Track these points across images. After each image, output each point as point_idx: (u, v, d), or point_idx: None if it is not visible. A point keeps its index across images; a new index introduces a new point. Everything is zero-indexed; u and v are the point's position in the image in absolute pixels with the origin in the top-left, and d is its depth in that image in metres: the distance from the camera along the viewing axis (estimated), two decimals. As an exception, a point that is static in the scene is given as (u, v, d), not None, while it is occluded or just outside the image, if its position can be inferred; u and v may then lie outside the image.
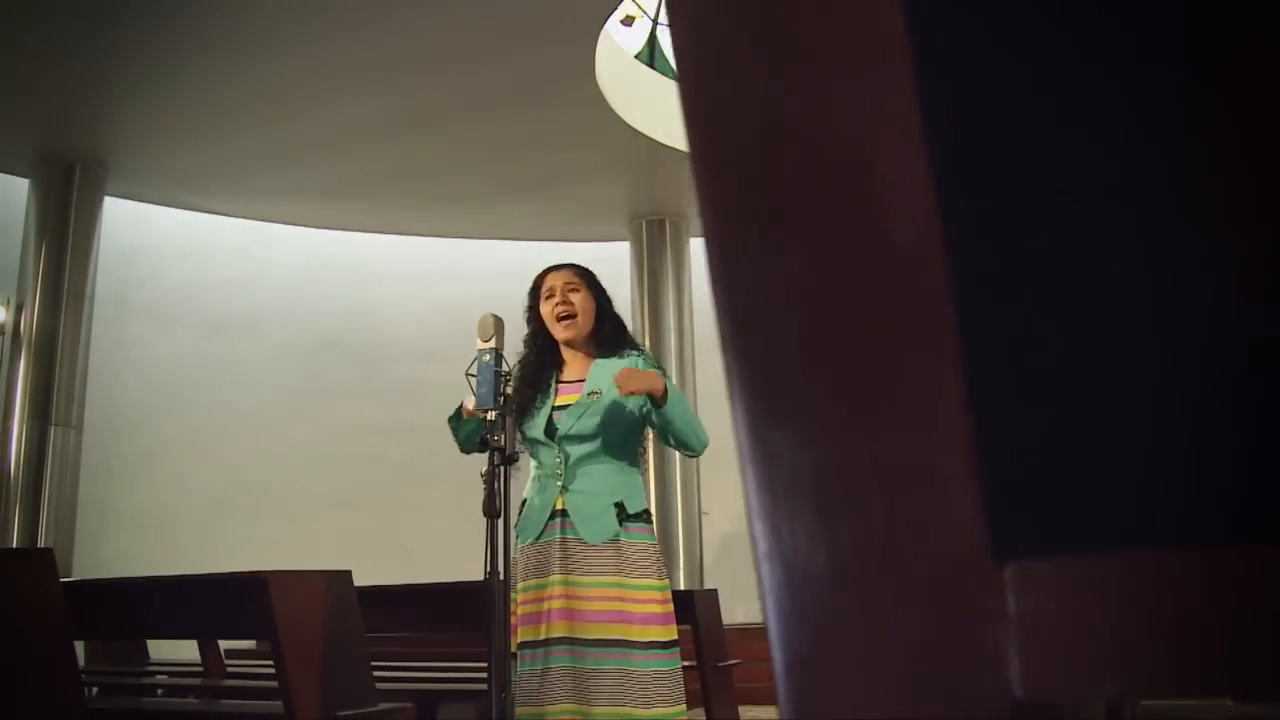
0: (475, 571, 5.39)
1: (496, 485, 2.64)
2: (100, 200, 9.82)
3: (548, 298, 3.20)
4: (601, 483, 3.05)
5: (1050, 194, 0.44)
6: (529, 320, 3.25)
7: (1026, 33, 0.44)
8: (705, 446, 3.11)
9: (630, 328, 3.36)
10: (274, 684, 4.47)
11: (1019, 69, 0.44)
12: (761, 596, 0.45)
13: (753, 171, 0.47)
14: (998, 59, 0.44)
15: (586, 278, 3.25)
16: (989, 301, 0.43)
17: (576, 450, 3.06)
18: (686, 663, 3.29)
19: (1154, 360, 0.43)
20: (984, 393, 0.42)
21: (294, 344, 11.67)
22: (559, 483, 3.05)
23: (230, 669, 5.66)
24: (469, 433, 3.13)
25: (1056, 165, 0.44)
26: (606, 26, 8.39)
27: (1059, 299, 0.44)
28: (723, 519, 11.65)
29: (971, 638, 0.40)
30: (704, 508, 10.68)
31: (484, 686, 4.73)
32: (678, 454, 10.62)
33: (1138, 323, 0.43)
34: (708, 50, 0.49)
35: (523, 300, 3.23)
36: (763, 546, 0.45)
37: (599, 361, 3.15)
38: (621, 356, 3.15)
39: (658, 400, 2.94)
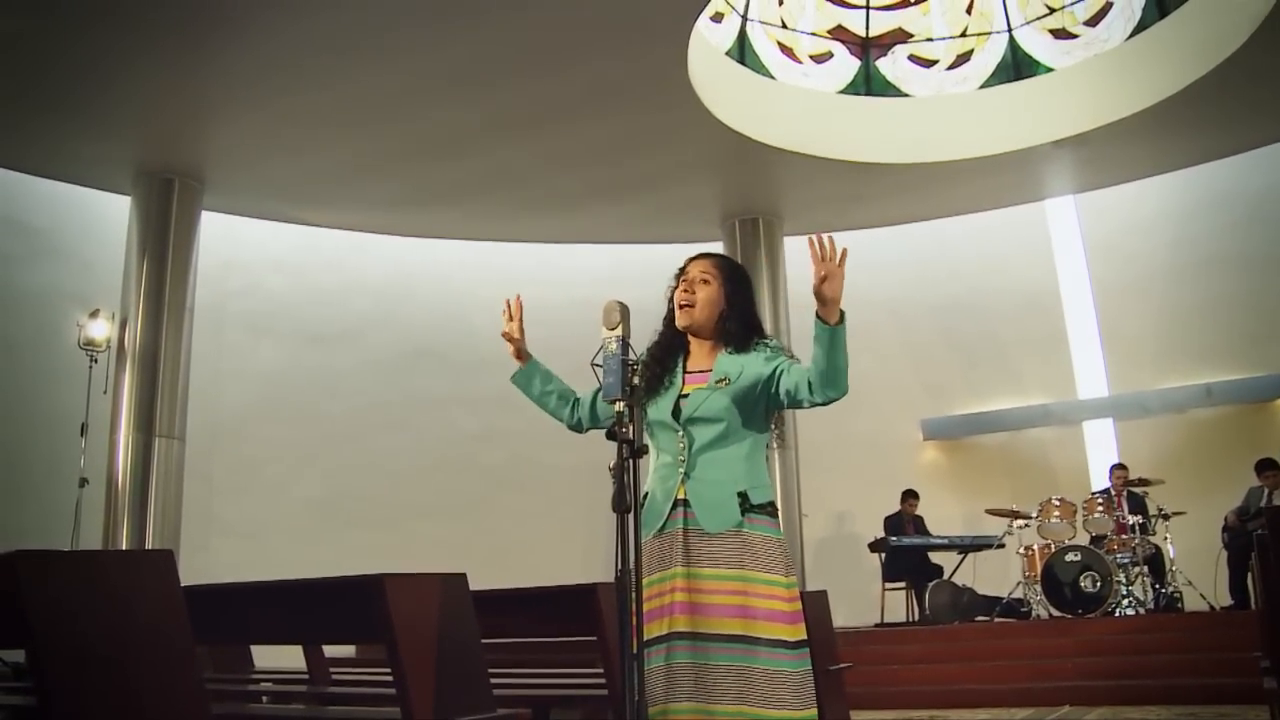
0: (573, 575, 5.32)
1: (626, 479, 2.51)
2: (198, 214, 9.98)
3: (682, 282, 3.13)
4: (724, 470, 2.93)
5: None
6: (668, 301, 3.17)
7: None
8: (843, 395, 2.85)
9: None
10: (381, 690, 4.42)
11: None
12: None
13: None
14: None
15: (725, 272, 3.13)
16: None
17: (701, 435, 2.95)
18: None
19: None
20: None
21: (390, 353, 11.75)
22: (681, 470, 2.95)
23: (334, 675, 5.62)
24: (538, 394, 3.44)
25: None
26: (697, 24, 8.26)
27: None
28: (821, 522, 11.44)
29: None
30: (804, 511, 10.49)
31: (592, 691, 4.65)
32: (776, 458, 10.41)
33: None
34: None
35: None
36: None
37: (726, 354, 3.05)
38: (750, 351, 3.04)
39: (832, 319, 2.68)
